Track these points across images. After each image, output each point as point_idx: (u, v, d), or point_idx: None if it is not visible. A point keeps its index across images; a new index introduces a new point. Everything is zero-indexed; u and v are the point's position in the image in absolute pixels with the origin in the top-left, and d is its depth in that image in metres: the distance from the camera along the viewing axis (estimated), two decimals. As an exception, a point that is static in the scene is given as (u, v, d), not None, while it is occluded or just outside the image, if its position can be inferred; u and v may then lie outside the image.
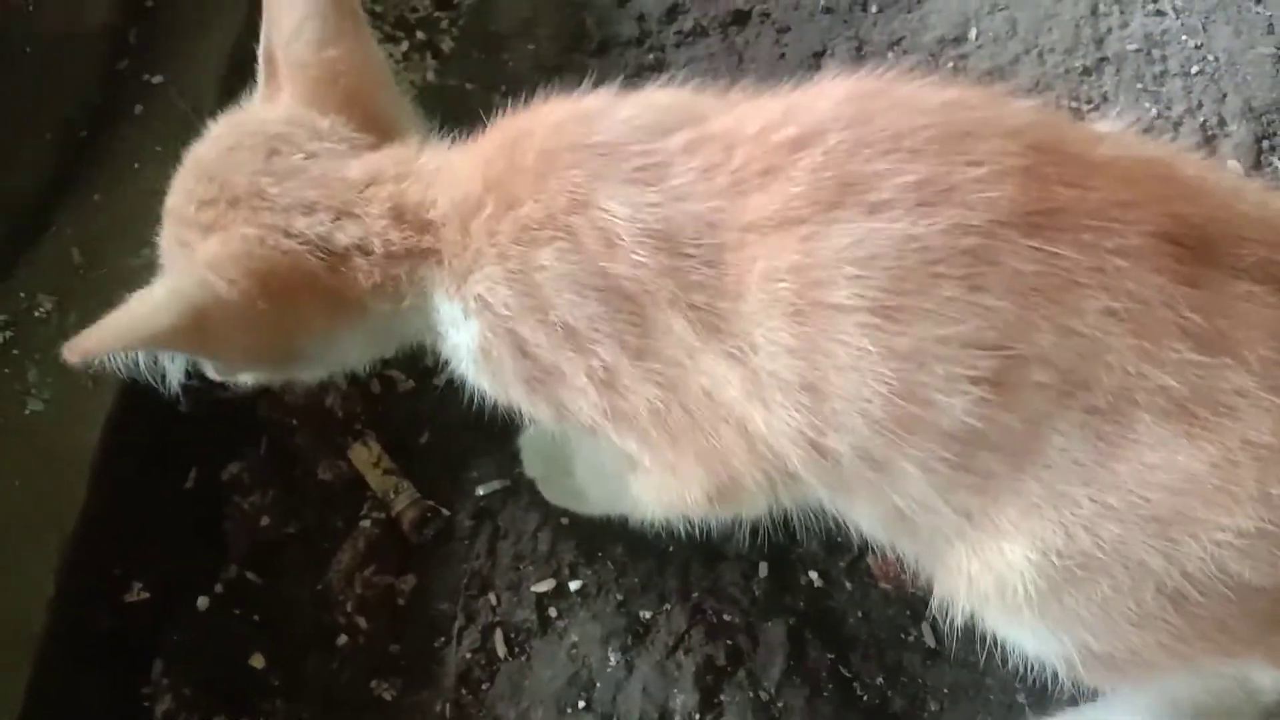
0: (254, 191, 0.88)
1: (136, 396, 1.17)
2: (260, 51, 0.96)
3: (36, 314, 1.20)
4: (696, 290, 0.80)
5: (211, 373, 1.00)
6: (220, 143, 0.94)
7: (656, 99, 0.89)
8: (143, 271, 1.24)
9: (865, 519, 0.89)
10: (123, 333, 0.85)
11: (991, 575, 0.82)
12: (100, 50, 1.33)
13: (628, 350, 0.82)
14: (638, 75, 1.49)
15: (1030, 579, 0.79)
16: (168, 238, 0.94)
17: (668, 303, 0.80)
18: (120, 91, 1.34)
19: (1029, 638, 0.88)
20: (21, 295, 1.21)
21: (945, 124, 0.78)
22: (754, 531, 1.16)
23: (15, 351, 1.18)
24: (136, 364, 0.91)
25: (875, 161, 0.76)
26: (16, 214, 1.24)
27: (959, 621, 0.90)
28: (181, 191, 0.93)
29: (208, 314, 0.85)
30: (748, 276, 0.78)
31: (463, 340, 0.91)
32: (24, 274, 1.22)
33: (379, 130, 0.93)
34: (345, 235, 0.87)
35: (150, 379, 0.94)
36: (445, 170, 0.89)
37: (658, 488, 0.93)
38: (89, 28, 1.31)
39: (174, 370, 0.95)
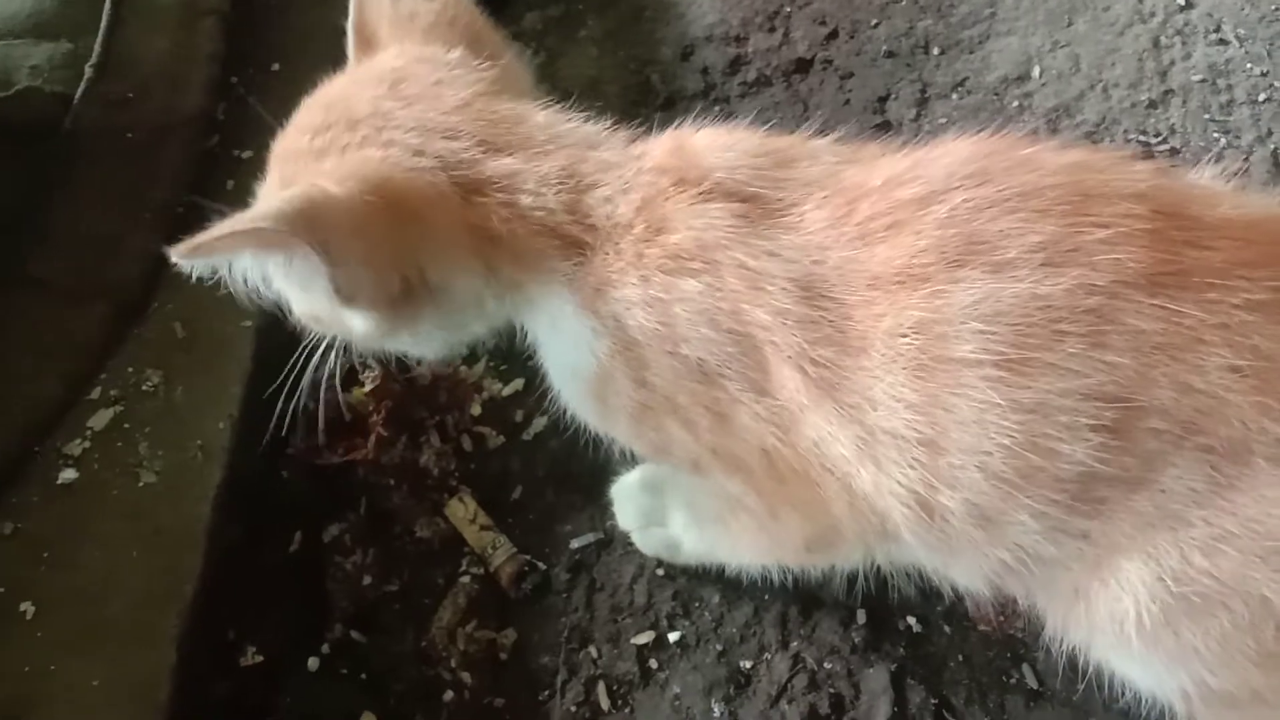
0: (378, 113, 0.86)
1: (242, 467, 1.22)
2: (350, 23, 0.95)
3: (144, 388, 1.24)
4: (821, 344, 0.81)
5: (321, 314, 0.95)
6: (329, 89, 0.93)
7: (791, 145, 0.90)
8: (242, 339, 1.29)
9: (964, 575, 0.90)
10: (231, 228, 0.80)
11: (1106, 600, 0.82)
12: (194, 131, 1.38)
13: (748, 391, 0.83)
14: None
15: (1144, 604, 0.80)
16: (271, 181, 0.91)
17: (792, 352, 0.81)
18: (213, 168, 1.39)
19: (1143, 671, 0.89)
20: (129, 371, 1.25)
21: (1070, 185, 0.79)
22: (851, 579, 1.19)
23: (126, 425, 1.22)
24: (246, 284, 0.88)
25: (1001, 220, 0.78)
26: (123, 293, 1.29)
27: (1068, 653, 0.91)
28: (290, 133, 0.91)
29: (320, 209, 0.80)
30: (872, 332, 0.79)
31: (581, 358, 0.89)
32: (131, 350, 1.27)
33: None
34: (494, 169, 0.85)
35: (263, 302, 0.92)
36: (618, 171, 0.88)
37: (757, 531, 0.95)
38: (185, 112, 1.37)
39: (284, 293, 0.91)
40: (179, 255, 0.81)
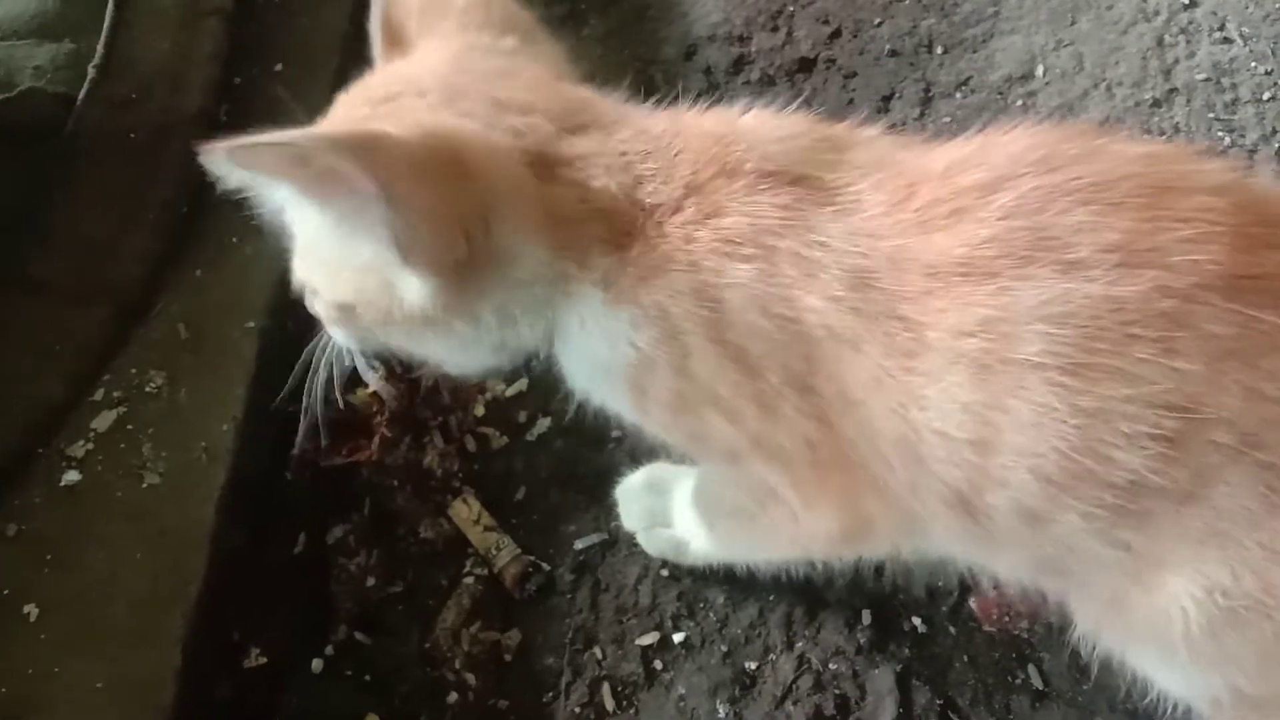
0: (448, 86, 0.82)
1: (247, 469, 1.22)
2: (377, 19, 0.90)
3: (148, 389, 1.24)
4: (871, 335, 0.78)
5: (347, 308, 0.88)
6: (380, 75, 0.88)
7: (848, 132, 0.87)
8: (246, 341, 1.29)
9: (1006, 568, 0.88)
10: (285, 138, 0.72)
11: (1150, 609, 0.81)
12: (197, 132, 1.37)
13: (794, 382, 0.81)
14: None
15: (1193, 615, 0.78)
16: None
17: (845, 343, 0.79)
18: (215, 169, 1.39)
19: (1178, 676, 0.88)
20: (133, 372, 1.25)
21: (1145, 177, 0.76)
22: (854, 578, 1.19)
23: (129, 427, 1.22)
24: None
25: (1073, 213, 0.75)
26: (126, 295, 1.28)
27: (1098, 652, 0.90)
28: (340, 109, 0.86)
29: (382, 145, 0.73)
30: (932, 327, 0.76)
31: (616, 351, 0.85)
32: (134, 352, 1.26)
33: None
34: (569, 149, 0.82)
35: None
36: (667, 153, 0.84)
37: (789, 522, 0.92)
38: (188, 113, 1.36)
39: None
40: (216, 150, 0.70)
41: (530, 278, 0.84)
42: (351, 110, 0.84)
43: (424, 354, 0.94)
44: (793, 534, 0.93)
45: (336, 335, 0.96)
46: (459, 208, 0.78)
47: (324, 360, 1.02)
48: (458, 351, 0.92)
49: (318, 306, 0.92)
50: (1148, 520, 0.77)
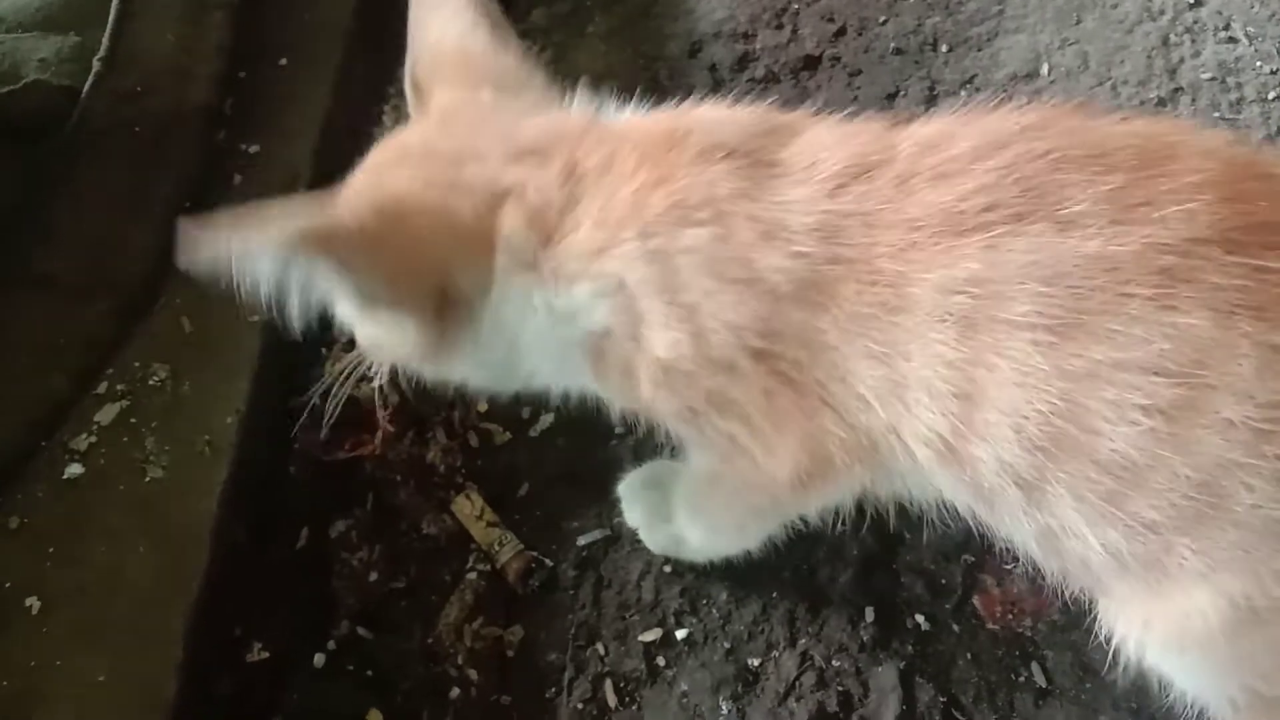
0: (424, 151, 0.92)
1: (250, 463, 1.22)
2: (407, 80, 1.00)
3: (151, 383, 1.24)
4: (844, 286, 0.79)
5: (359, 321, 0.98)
6: (387, 140, 0.98)
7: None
8: (250, 334, 1.29)
9: (1016, 533, 0.87)
10: (248, 223, 0.81)
11: (1164, 610, 0.80)
12: (201, 125, 1.38)
13: (750, 339, 0.82)
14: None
15: (1211, 622, 0.77)
16: None
17: (814, 293, 0.79)
18: (219, 162, 1.39)
19: (1194, 677, 0.87)
20: (136, 365, 1.25)
21: (1138, 145, 0.76)
22: (858, 575, 1.18)
23: (133, 420, 1.22)
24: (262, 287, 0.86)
25: (1066, 171, 0.74)
26: (130, 288, 1.28)
27: (1115, 649, 0.90)
28: (368, 164, 0.95)
29: (326, 230, 0.84)
30: (916, 282, 0.76)
31: (576, 326, 0.89)
32: (138, 345, 1.27)
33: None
34: (509, 179, 0.87)
35: (276, 310, 0.90)
36: (617, 138, 0.89)
37: (752, 471, 0.93)
38: (192, 105, 1.36)
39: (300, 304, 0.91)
40: (191, 233, 0.81)
41: (489, 303, 0.91)
42: (367, 172, 0.94)
43: (450, 380, 1.06)
44: (758, 482, 0.93)
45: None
46: (418, 264, 0.89)
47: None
48: (474, 376, 1.04)
49: (362, 344, 1.04)
50: (1149, 533, 0.75)
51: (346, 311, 0.97)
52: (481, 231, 0.88)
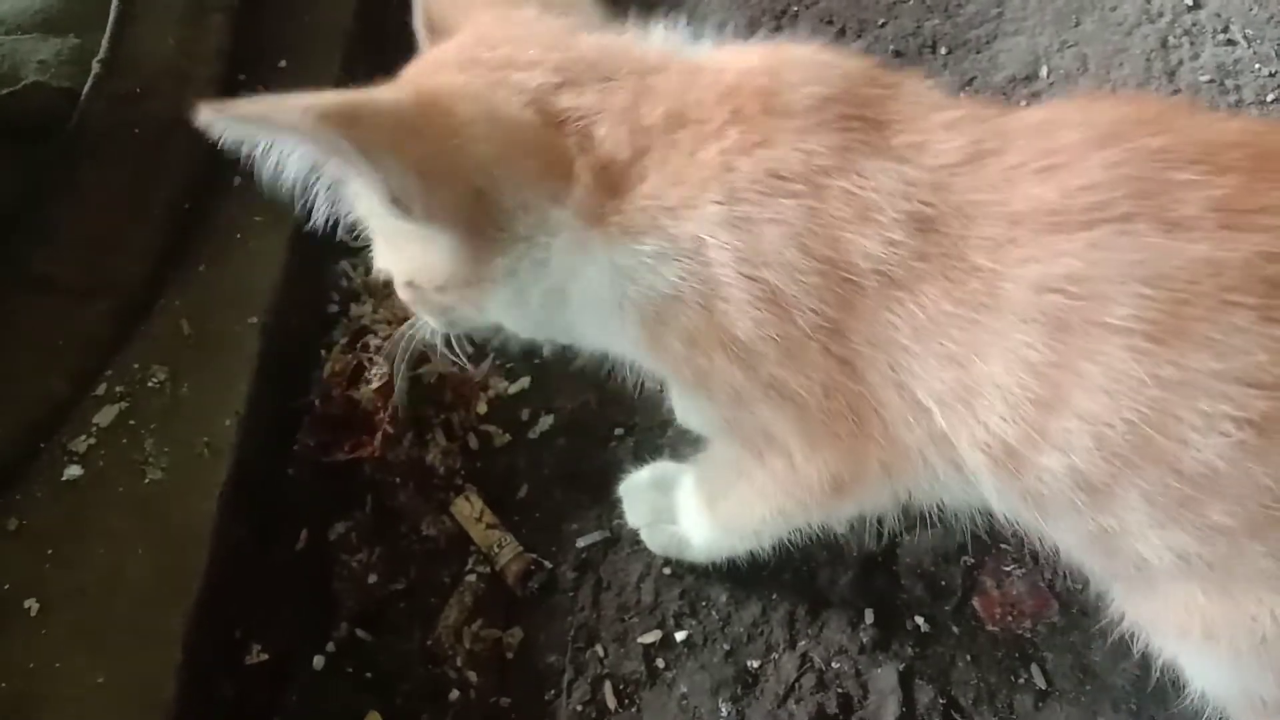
0: (465, 58, 0.83)
1: (249, 465, 1.22)
2: (419, 19, 0.92)
3: (150, 384, 1.24)
4: (932, 281, 0.75)
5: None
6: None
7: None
8: (249, 336, 1.29)
9: (1062, 534, 0.85)
10: (261, 110, 0.75)
11: (1220, 616, 0.79)
12: (201, 128, 1.37)
13: (824, 326, 0.78)
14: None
15: (1268, 628, 0.76)
16: None
17: (898, 287, 0.76)
18: (219, 166, 1.38)
19: (1237, 677, 0.86)
20: (135, 367, 1.25)
21: (1254, 143, 0.73)
22: (858, 577, 1.18)
23: (132, 422, 1.21)
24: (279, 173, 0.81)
25: (1181, 170, 0.71)
26: (129, 290, 1.28)
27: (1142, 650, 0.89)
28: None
29: (361, 110, 0.75)
30: (1010, 279, 0.73)
31: (637, 285, 0.82)
32: (137, 347, 1.26)
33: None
34: (571, 102, 0.81)
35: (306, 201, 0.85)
36: (691, 82, 0.82)
37: (786, 472, 0.90)
38: (191, 108, 1.36)
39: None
40: (204, 112, 0.74)
41: (532, 231, 0.83)
42: (401, 77, 0.86)
43: (486, 320, 0.96)
44: (790, 484, 0.91)
45: (425, 320, 1.01)
46: (457, 161, 0.79)
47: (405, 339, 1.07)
48: (512, 316, 0.94)
49: (401, 294, 0.96)
50: (1218, 536, 0.74)
51: (376, 226, 0.90)
52: (532, 138, 0.80)
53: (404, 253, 0.90)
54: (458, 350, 1.10)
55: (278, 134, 0.76)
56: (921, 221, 0.76)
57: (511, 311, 0.92)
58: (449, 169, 0.79)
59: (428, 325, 1.02)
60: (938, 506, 0.93)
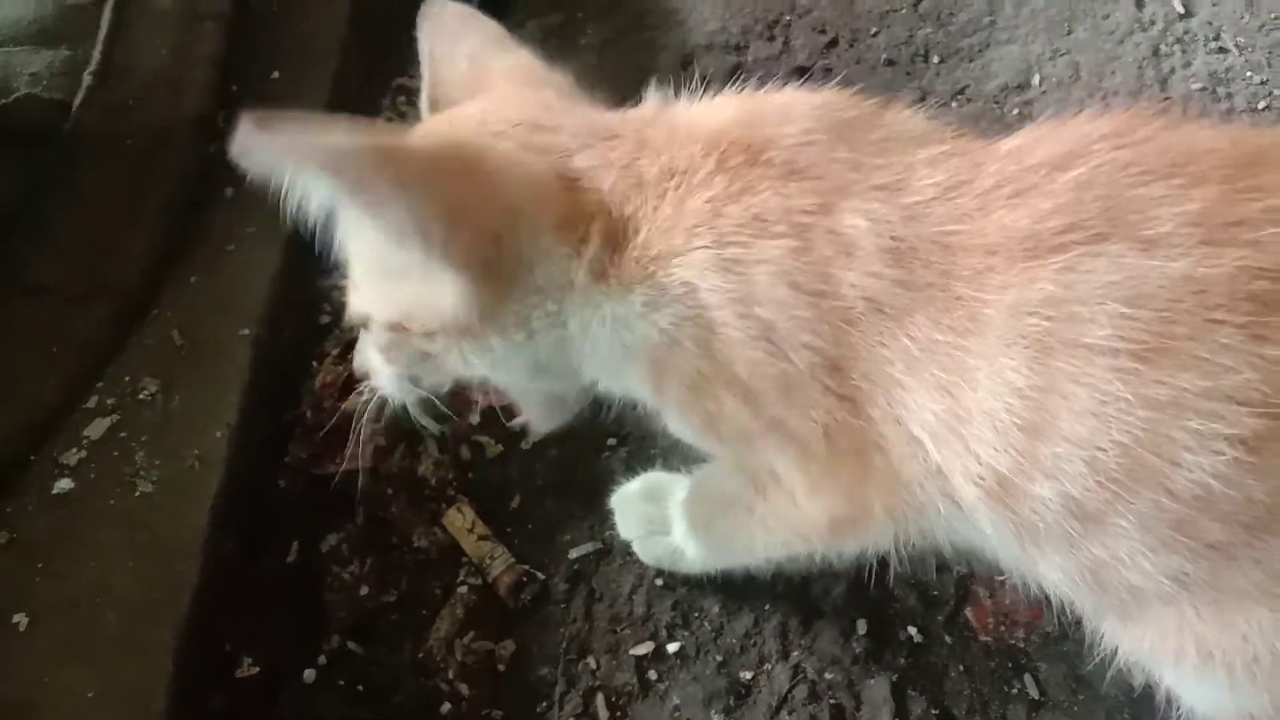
0: (482, 119, 0.87)
1: (240, 477, 1.22)
2: (425, 99, 0.96)
3: (141, 397, 1.24)
4: (920, 311, 0.76)
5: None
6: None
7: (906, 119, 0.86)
8: (240, 348, 1.28)
9: (1055, 572, 0.84)
10: (312, 133, 0.74)
11: (1218, 636, 0.78)
12: (194, 138, 1.37)
13: (821, 362, 0.79)
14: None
15: (1260, 648, 0.76)
16: None
17: (887, 318, 0.77)
18: (212, 176, 1.38)
19: (1220, 701, 0.86)
20: (127, 379, 1.25)
21: (1229, 151, 0.73)
22: (850, 588, 1.18)
23: (123, 435, 1.21)
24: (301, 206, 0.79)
25: (1151, 185, 0.71)
26: (125, 294, 1.28)
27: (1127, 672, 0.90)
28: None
29: (393, 152, 0.77)
30: (990, 306, 0.73)
31: (637, 333, 0.84)
32: (128, 359, 1.26)
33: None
34: (582, 161, 0.83)
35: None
36: (676, 137, 0.84)
37: (789, 509, 0.91)
38: (184, 118, 1.36)
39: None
40: (251, 124, 0.72)
41: (547, 282, 0.85)
42: (427, 129, 0.91)
43: (470, 374, 0.96)
44: (792, 521, 0.91)
45: (390, 387, 1.01)
46: (479, 208, 0.81)
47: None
48: (500, 370, 0.94)
49: (374, 339, 0.96)
50: (1214, 552, 0.73)
51: (369, 266, 0.90)
52: (554, 196, 0.83)
53: (398, 294, 0.90)
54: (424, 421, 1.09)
55: (308, 167, 0.75)
56: (901, 253, 0.76)
57: (509, 361, 0.92)
58: (474, 213, 0.81)
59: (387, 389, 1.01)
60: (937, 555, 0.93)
